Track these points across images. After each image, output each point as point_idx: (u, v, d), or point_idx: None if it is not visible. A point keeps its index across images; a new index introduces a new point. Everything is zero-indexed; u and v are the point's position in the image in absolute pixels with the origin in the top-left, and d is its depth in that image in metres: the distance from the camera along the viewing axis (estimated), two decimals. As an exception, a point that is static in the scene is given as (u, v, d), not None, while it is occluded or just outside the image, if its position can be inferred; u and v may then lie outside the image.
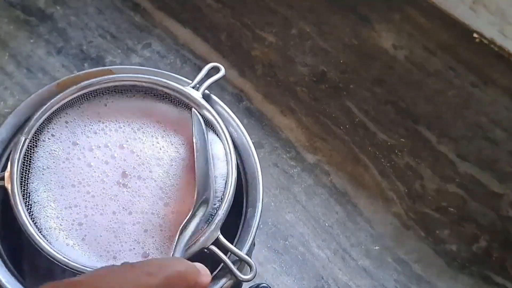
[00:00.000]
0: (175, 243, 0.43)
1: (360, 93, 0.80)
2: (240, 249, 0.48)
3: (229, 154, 0.49)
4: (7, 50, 0.80)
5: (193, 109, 0.50)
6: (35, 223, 0.46)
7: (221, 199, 0.47)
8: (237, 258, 0.46)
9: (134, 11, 0.85)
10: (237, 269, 0.46)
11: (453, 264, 0.70)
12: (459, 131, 0.77)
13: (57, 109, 0.50)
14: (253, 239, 0.49)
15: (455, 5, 0.84)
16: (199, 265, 0.34)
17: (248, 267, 0.46)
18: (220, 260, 0.46)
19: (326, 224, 0.71)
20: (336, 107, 0.79)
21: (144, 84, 0.51)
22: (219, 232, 0.46)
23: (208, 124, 0.51)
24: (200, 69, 0.53)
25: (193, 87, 0.52)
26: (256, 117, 0.78)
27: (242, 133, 0.53)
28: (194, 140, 0.47)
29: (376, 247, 0.70)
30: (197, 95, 0.51)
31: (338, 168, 0.75)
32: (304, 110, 0.78)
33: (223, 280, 0.47)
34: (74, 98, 0.50)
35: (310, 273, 0.69)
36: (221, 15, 0.85)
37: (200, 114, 0.50)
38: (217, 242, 0.46)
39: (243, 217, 0.49)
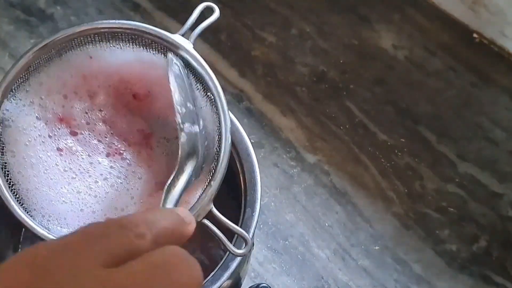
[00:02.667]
0: (161, 201, 0.40)
1: (360, 93, 0.80)
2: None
3: (221, 115, 0.45)
4: (7, 50, 0.81)
5: (168, 54, 0.45)
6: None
7: (214, 168, 0.44)
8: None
9: (134, 11, 0.85)
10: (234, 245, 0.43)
11: (453, 264, 0.69)
12: (459, 131, 0.77)
13: (34, 64, 0.46)
14: (252, 238, 0.49)
15: (455, 5, 0.84)
16: (183, 213, 0.32)
17: (244, 242, 0.44)
18: (213, 234, 0.43)
19: (326, 224, 0.71)
20: (336, 107, 0.79)
21: (127, 31, 0.46)
22: (211, 205, 0.43)
23: (199, 80, 0.46)
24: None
25: (182, 35, 0.46)
26: (256, 117, 0.78)
27: (241, 133, 0.53)
28: (171, 84, 0.42)
29: (376, 247, 0.70)
30: (186, 43, 0.46)
31: (338, 168, 0.75)
32: (304, 110, 0.78)
33: (223, 279, 0.47)
34: (56, 51, 0.46)
35: (310, 273, 0.69)
36: (221, 15, 0.85)
37: (180, 59, 0.46)
38: (210, 216, 0.43)
39: (241, 217, 0.49)
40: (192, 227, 0.32)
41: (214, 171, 0.44)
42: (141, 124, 0.49)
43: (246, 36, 0.84)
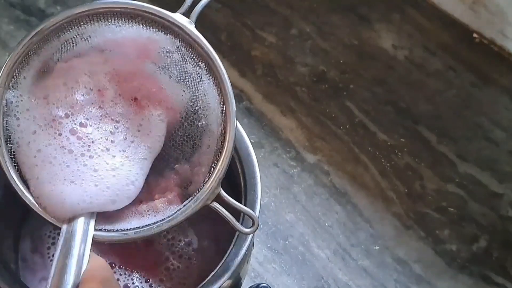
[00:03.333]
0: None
1: (360, 93, 0.80)
2: (239, 250, 0.47)
3: (226, 96, 0.45)
4: (7, 50, 0.81)
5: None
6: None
7: (220, 152, 0.45)
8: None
9: (134, 11, 0.85)
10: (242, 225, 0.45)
11: (453, 264, 0.69)
12: (459, 131, 0.77)
13: (34, 48, 0.45)
14: (252, 238, 0.49)
15: (455, 5, 0.84)
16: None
17: (251, 221, 0.45)
18: (222, 216, 0.44)
19: (326, 224, 0.71)
20: (336, 107, 0.79)
21: (127, 10, 0.45)
22: (220, 188, 0.44)
23: (202, 60, 0.46)
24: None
25: (182, 14, 0.46)
26: (256, 117, 0.78)
27: (241, 133, 0.53)
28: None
29: (376, 247, 0.70)
30: (187, 23, 0.46)
31: (338, 168, 0.75)
32: (304, 110, 0.78)
33: (223, 279, 0.47)
34: (51, 33, 0.45)
35: (310, 273, 0.69)
36: (221, 15, 0.85)
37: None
38: (218, 199, 0.44)
39: (241, 217, 0.49)
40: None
41: (220, 154, 0.44)
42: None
43: (246, 36, 0.84)
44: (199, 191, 0.44)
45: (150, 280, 0.56)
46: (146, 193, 0.47)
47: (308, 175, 0.74)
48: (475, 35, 0.84)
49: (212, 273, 0.47)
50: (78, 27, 0.46)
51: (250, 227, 0.45)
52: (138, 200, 0.46)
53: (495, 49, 0.83)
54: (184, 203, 0.45)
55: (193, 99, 0.47)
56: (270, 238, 0.70)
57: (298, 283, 0.68)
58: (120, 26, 0.46)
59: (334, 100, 0.79)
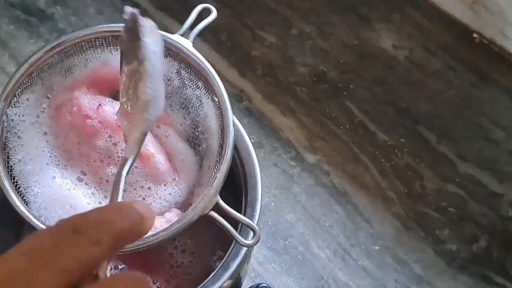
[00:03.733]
0: (119, 188, 0.38)
1: (360, 93, 0.80)
2: (239, 250, 0.47)
3: (224, 109, 0.46)
4: (7, 50, 0.81)
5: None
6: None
7: (219, 160, 0.45)
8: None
9: (134, 11, 0.85)
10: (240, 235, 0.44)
11: (453, 264, 0.69)
12: (459, 131, 0.77)
13: (36, 68, 0.47)
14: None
15: (455, 5, 0.84)
16: (142, 208, 0.28)
17: (252, 233, 0.44)
18: (221, 226, 0.43)
19: (326, 224, 0.71)
20: (336, 107, 0.79)
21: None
22: (218, 197, 0.44)
23: (200, 77, 0.47)
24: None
25: (181, 35, 0.48)
26: (256, 117, 0.78)
27: (242, 133, 0.53)
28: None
29: (376, 247, 0.70)
30: (186, 43, 0.47)
31: (338, 168, 0.75)
32: (304, 110, 0.78)
33: (223, 279, 0.47)
34: (54, 57, 0.47)
35: (310, 273, 0.69)
36: (221, 15, 0.85)
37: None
38: (217, 208, 0.43)
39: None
40: (151, 222, 0.29)
41: (219, 163, 0.45)
42: None
43: (246, 36, 0.84)
44: (198, 201, 0.44)
45: (157, 281, 0.56)
46: None
47: (308, 175, 0.74)
48: (475, 35, 0.84)
49: (213, 273, 0.47)
50: (82, 52, 0.48)
51: (251, 239, 0.44)
52: None
53: (495, 49, 0.83)
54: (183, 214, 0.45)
55: (194, 124, 0.48)
56: (270, 238, 0.70)
57: (298, 283, 0.68)
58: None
59: (334, 100, 0.79)
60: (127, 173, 0.39)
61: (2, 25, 0.83)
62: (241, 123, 0.54)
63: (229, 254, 0.48)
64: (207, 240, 0.58)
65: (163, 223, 0.46)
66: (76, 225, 0.25)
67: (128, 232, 0.27)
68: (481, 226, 0.72)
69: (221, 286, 0.46)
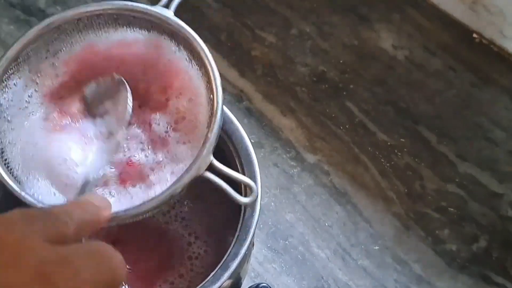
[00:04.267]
0: (78, 190, 0.42)
1: (360, 93, 0.80)
2: (239, 250, 0.47)
3: (210, 69, 0.46)
4: (7, 50, 0.81)
5: None
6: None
7: (210, 120, 0.45)
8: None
9: (134, 11, 0.85)
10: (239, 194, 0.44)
11: (453, 264, 0.70)
12: (459, 131, 0.77)
13: (23, 51, 0.47)
14: (252, 238, 0.49)
15: (455, 5, 0.84)
16: (97, 201, 0.36)
17: (249, 190, 0.44)
18: (216, 186, 0.43)
19: (326, 224, 0.72)
20: (336, 107, 0.79)
21: (108, 11, 0.47)
22: (211, 157, 0.43)
23: (184, 46, 0.47)
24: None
25: (165, 6, 0.47)
26: (256, 117, 0.78)
27: (241, 133, 0.53)
28: None
29: (376, 247, 0.70)
30: (168, 13, 0.47)
31: (338, 168, 0.75)
32: (304, 110, 0.78)
33: (223, 279, 0.47)
34: (39, 39, 0.47)
35: (310, 273, 0.69)
36: (221, 15, 0.85)
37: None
38: (211, 168, 0.43)
39: (241, 218, 0.49)
40: (108, 211, 0.37)
41: (210, 122, 0.44)
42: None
43: (246, 36, 0.84)
44: (191, 163, 0.44)
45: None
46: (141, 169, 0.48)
47: (308, 175, 0.74)
48: (475, 35, 0.84)
49: (212, 273, 0.47)
50: (64, 34, 0.48)
51: (249, 196, 0.44)
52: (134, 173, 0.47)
53: (495, 49, 0.83)
54: (177, 176, 0.45)
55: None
56: (270, 238, 0.70)
57: (298, 283, 0.68)
58: (106, 32, 0.48)
59: (334, 100, 0.79)
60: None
61: (2, 25, 0.83)
62: (241, 123, 0.54)
63: (228, 254, 0.48)
64: (218, 228, 0.58)
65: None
66: (51, 211, 0.32)
67: (88, 222, 0.33)
68: (481, 226, 0.72)
69: (221, 286, 0.46)
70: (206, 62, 0.46)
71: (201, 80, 0.47)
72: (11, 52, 0.46)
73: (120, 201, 0.45)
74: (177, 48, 0.48)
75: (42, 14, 0.84)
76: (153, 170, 0.47)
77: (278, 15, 0.85)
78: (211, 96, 0.46)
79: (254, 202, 0.48)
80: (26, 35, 0.47)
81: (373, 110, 0.79)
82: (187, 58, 0.48)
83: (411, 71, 0.81)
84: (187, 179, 0.43)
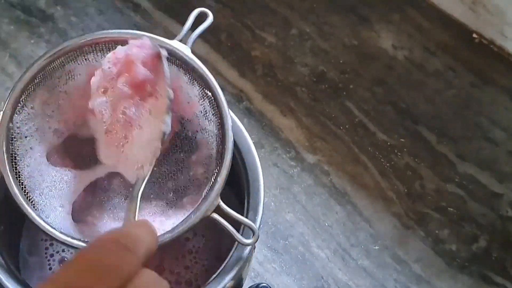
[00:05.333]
0: (131, 211, 0.42)
1: (360, 93, 0.80)
2: (241, 253, 0.48)
3: (223, 114, 0.47)
4: (8, 50, 0.81)
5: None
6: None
7: (219, 163, 0.47)
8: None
9: (135, 12, 0.85)
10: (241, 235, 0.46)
11: (453, 264, 0.70)
12: (458, 131, 0.77)
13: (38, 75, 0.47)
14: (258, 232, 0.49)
15: (454, 6, 0.84)
16: (153, 227, 0.34)
17: (251, 232, 0.46)
18: (223, 227, 0.45)
19: (326, 224, 0.72)
20: (336, 107, 0.79)
21: (126, 38, 0.47)
22: (219, 200, 0.45)
23: (198, 82, 0.48)
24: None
25: (180, 40, 0.48)
26: (256, 117, 0.78)
27: (243, 133, 0.53)
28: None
29: (376, 247, 0.70)
30: (184, 49, 0.48)
31: (338, 168, 0.75)
32: (304, 110, 0.78)
33: (225, 282, 0.47)
34: (46, 69, 0.48)
35: (310, 273, 0.69)
36: (221, 15, 0.85)
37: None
38: (218, 210, 0.45)
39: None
40: (156, 236, 0.35)
41: (219, 167, 0.46)
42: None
43: (246, 36, 0.84)
44: (199, 204, 0.46)
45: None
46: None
47: (308, 175, 0.74)
48: (474, 35, 0.84)
49: (213, 276, 0.47)
50: (82, 57, 0.48)
51: (251, 238, 0.46)
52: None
53: (494, 49, 0.83)
54: (185, 215, 0.46)
55: (194, 129, 0.50)
56: (270, 238, 0.70)
57: (298, 283, 0.68)
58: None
59: (334, 100, 0.79)
60: (141, 191, 0.42)
61: (2, 25, 0.83)
62: (241, 123, 0.54)
63: (230, 257, 0.48)
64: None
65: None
66: (121, 242, 0.30)
67: (152, 249, 0.33)
68: (481, 226, 0.72)
69: (223, 287, 0.47)
70: (220, 105, 0.47)
71: (212, 119, 0.48)
72: (28, 74, 0.47)
73: None
74: (191, 82, 0.49)
75: (42, 14, 0.84)
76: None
77: (278, 15, 0.86)
78: (221, 142, 0.47)
79: (256, 211, 0.50)
80: (43, 56, 0.47)
81: (373, 110, 0.79)
82: (200, 94, 0.49)
83: (411, 71, 0.82)
84: (194, 220, 0.45)
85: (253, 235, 0.46)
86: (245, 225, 0.46)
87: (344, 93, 0.80)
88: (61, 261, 0.58)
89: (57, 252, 0.58)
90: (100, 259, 0.29)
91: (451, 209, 0.73)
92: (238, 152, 0.53)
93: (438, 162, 0.75)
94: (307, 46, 0.83)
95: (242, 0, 0.86)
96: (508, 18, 0.79)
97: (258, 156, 0.53)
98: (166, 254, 0.58)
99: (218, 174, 0.46)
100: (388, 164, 0.75)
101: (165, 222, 0.47)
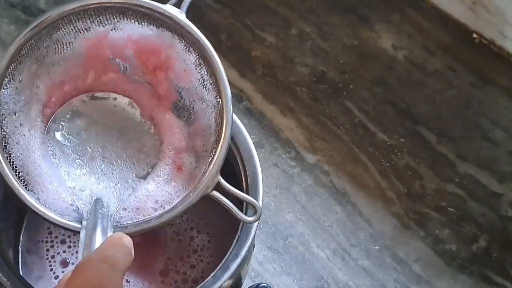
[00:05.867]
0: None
1: (360, 93, 0.80)
2: (239, 250, 0.47)
3: (220, 83, 0.46)
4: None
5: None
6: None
7: (217, 139, 0.45)
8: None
9: (134, 11, 0.85)
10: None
11: (453, 264, 0.70)
12: (458, 131, 0.77)
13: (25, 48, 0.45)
14: (253, 239, 0.49)
15: (454, 6, 0.84)
16: (128, 242, 0.37)
17: (253, 209, 0.45)
18: (223, 205, 0.44)
19: (326, 224, 0.72)
20: (336, 107, 0.79)
21: (117, 4, 0.45)
22: (219, 177, 0.44)
23: (194, 49, 0.46)
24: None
25: (173, 4, 0.46)
26: (256, 117, 0.78)
27: (243, 133, 0.53)
28: None
29: (376, 247, 0.70)
30: (179, 13, 0.45)
31: (338, 168, 0.75)
32: (304, 110, 0.78)
33: (223, 280, 0.47)
34: (42, 32, 0.45)
35: (310, 273, 0.69)
36: (221, 15, 0.85)
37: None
38: (218, 187, 0.44)
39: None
40: (131, 249, 0.38)
41: (218, 142, 0.45)
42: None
43: (246, 36, 0.84)
44: (198, 181, 0.44)
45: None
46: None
47: (308, 175, 0.74)
48: (474, 35, 0.84)
49: (212, 273, 0.47)
50: (70, 25, 0.46)
51: (253, 215, 0.45)
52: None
53: (494, 49, 0.83)
54: (184, 193, 0.45)
55: (190, 102, 0.48)
56: (270, 238, 0.70)
57: (298, 283, 0.68)
58: (113, 23, 0.47)
59: (334, 100, 0.79)
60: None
61: (2, 25, 0.83)
62: (241, 123, 0.54)
63: (229, 255, 0.48)
64: (219, 221, 0.59)
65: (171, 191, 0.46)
66: (109, 261, 0.35)
67: (129, 259, 0.37)
68: (481, 226, 0.72)
69: (221, 286, 0.46)
70: (218, 74, 0.46)
71: (210, 89, 0.47)
72: (14, 46, 0.45)
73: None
74: (187, 49, 0.47)
75: (42, 14, 0.84)
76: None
77: (278, 15, 0.86)
78: (219, 115, 0.46)
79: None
80: (35, 22, 0.45)
81: (373, 110, 0.79)
82: (196, 62, 0.47)
83: (411, 71, 0.82)
84: (194, 198, 0.44)
85: (255, 213, 0.44)
86: (247, 203, 0.45)
87: (344, 93, 0.80)
88: (62, 262, 0.58)
89: (58, 253, 0.58)
90: (90, 280, 0.34)
91: (451, 209, 0.73)
92: (238, 151, 0.52)
93: (438, 162, 0.75)
94: (307, 46, 0.83)
95: (242, 0, 0.86)
96: (508, 18, 0.79)
97: (258, 156, 0.53)
98: (171, 254, 0.58)
99: (217, 147, 0.44)
100: (388, 164, 0.75)
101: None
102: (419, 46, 0.83)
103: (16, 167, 0.45)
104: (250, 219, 0.44)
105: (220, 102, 0.46)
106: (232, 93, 0.78)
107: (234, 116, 0.52)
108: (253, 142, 0.53)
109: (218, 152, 0.44)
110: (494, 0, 0.78)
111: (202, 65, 0.47)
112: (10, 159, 0.44)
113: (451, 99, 0.80)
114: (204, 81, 0.47)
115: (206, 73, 0.47)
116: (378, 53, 0.83)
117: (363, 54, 0.83)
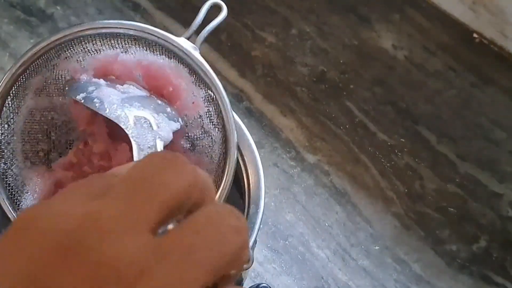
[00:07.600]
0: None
1: (360, 93, 0.80)
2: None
3: (226, 122, 0.44)
4: (8, 50, 0.81)
5: None
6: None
7: (222, 171, 0.45)
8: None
9: (134, 11, 0.85)
10: None
11: (453, 264, 0.70)
12: (459, 131, 0.77)
13: (34, 63, 0.45)
14: (256, 236, 0.49)
15: (455, 5, 0.84)
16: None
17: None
18: None
19: (326, 224, 0.72)
20: (336, 107, 0.79)
21: (129, 32, 0.44)
22: None
23: (203, 84, 0.45)
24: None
25: (188, 38, 0.45)
26: (256, 117, 0.78)
27: (245, 133, 0.53)
28: None
29: (376, 247, 0.70)
30: (192, 49, 0.44)
31: (338, 168, 0.75)
32: (304, 110, 0.78)
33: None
34: (52, 51, 0.45)
35: (310, 273, 0.69)
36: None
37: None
38: None
39: (245, 216, 0.49)
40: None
41: (218, 187, 0.44)
42: None
43: (246, 36, 0.84)
44: None
45: None
46: None
47: (308, 175, 0.74)
48: (475, 35, 0.84)
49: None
50: (80, 46, 0.46)
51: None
52: None
53: (495, 49, 0.83)
54: None
55: (196, 136, 0.48)
56: (270, 238, 0.70)
57: (298, 283, 0.68)
58: (123, 48, 0.46)
59: (334, 100, 0.79)
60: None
61: (2, 25, 0.83)
62: (242, 123, 0.54)
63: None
64: None
65: None
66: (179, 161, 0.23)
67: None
68: (481, 226, 0.72)
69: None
70: (224, 112, 0.45)
71: (217, 126, 0.47)
72: (20, 62, 0.44)
73: None
74: (197, 84, 0.46)
75: (42, 14, 0.84)
76: None
77: (278, 15, 0.85)
78: (224, 156, 0.45)
79: (257, 205, 0.48)
80: (38, 44, 0.45)
81: (373, 110, 0.79)
82: (205, 97, 0.46)
83: (411, 71, 0.81)
84: None
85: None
86: None
87: (344, 93, 0.80)
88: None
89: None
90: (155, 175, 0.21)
91: (451, 209, 0.73)
92: (239, 152, 0.52)
93: (438, 162, 0.75)
94: (307, 46, 0.83)
95: (242, 0, 0.86)
96: (509, 18, 0.79)
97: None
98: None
99: (220, 184, 0.44)
100: (388, 164, 0.75)
101: None
102: (419, 46, 0.83)
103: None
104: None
105: (225, 147, 0.45)
106: (232, 93, 0.79)
107: (236, 116, 0.52)
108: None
109: (222, 184, 0.45)
110: (494, 0, 0.78)
111: (210, 102, 0.46)
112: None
113: (451, 99, 0.80)
114: (211, 116, 0.46)
115: (213, 110, 0.46)
116: (378, 53, 0.83)
117: (363, 54, 0.83)
